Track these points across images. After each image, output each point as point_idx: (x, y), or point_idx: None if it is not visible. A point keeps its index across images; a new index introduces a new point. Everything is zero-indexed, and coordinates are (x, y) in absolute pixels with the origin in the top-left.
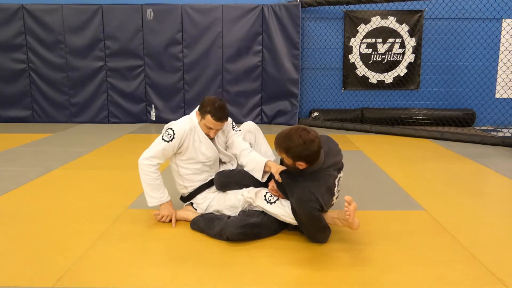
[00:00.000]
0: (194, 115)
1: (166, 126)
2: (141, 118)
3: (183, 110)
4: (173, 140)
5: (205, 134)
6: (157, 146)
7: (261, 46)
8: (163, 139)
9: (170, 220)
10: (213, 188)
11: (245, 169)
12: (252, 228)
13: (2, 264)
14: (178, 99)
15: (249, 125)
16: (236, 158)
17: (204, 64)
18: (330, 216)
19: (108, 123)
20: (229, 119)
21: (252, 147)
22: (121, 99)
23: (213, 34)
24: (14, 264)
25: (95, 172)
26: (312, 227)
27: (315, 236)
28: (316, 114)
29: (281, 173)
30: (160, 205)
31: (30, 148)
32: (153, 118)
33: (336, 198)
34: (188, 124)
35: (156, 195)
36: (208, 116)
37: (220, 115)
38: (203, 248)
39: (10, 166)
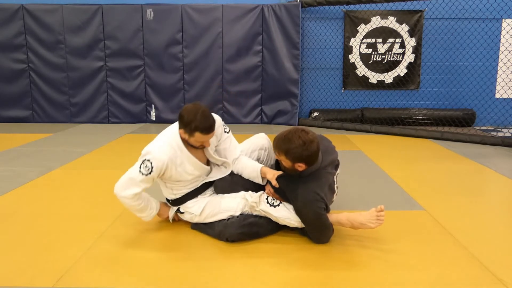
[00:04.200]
0: (175, 134)
1: (143, 153)
2: (141, 118)
3: None
4: (151, 173)
5: (198, 147)
6: (134, 179)
7: (261, 46)
8: (140, 171)
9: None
10: (207, 192)
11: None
12: (251, 227)
13: (2, 264)
14: (178, 99)
15: (263, 142)
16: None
17: (204, 64)
18: (338, 218)
19: (108, 123)
20: (218, 118)
21: (261, 163)
22: (121, 99)
23: (213, 34)
24: (14, 264)
25: (95, 172)
26: (318, 228)
27: (319, 237)
28: (316, 114)
29: (278, 178)
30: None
31: (30, 148)
32: (153, 118)
33: (336, 195)
34: (168, 152)
35: (144, 215)
36: (197, 134)
37: (209, 126)
38: (203, 248)
39: (10, 166)
